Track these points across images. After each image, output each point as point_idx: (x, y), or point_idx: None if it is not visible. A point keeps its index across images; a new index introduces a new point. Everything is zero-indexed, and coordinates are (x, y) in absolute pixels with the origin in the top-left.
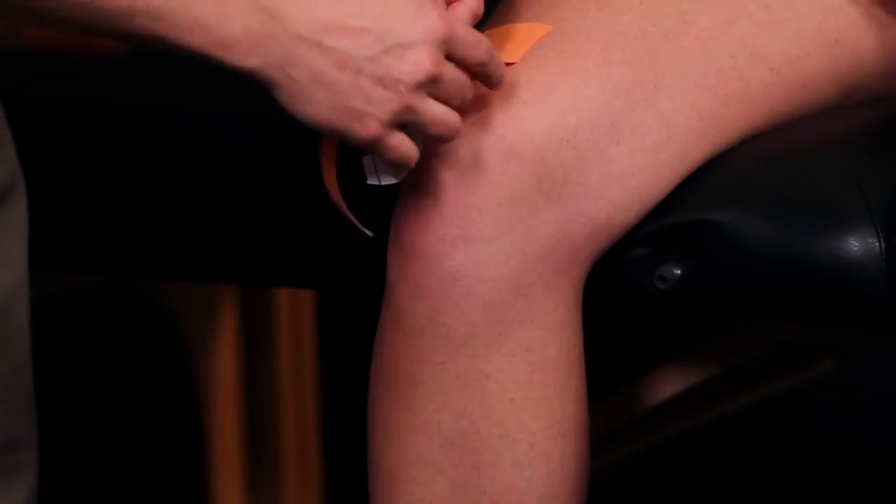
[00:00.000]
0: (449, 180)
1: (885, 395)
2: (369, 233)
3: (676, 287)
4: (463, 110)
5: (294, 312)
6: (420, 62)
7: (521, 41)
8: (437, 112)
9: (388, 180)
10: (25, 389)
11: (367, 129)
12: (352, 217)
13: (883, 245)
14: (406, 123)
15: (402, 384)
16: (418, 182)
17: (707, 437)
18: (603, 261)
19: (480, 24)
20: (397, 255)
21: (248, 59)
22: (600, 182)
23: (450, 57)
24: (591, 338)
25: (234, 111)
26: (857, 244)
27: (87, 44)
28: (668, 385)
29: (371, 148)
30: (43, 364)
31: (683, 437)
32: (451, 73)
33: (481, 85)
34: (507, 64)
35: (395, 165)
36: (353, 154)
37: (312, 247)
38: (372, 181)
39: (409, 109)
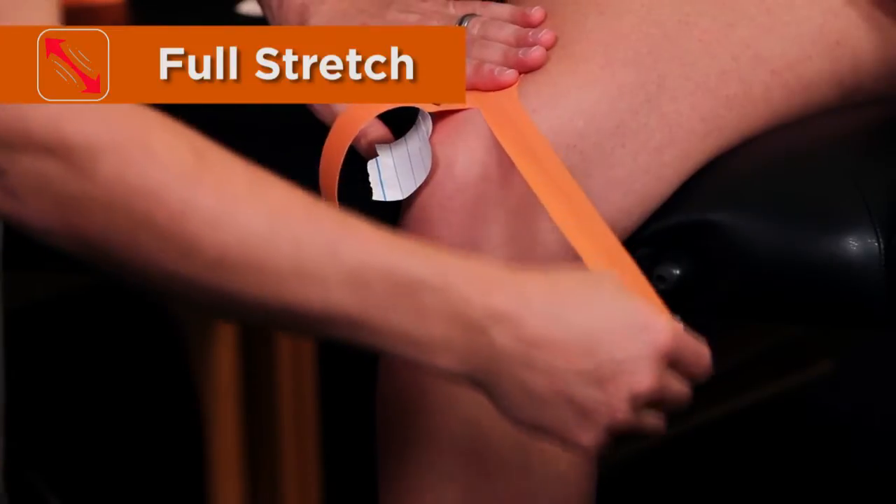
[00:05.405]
0: (455, 189)
1: (885, 395)
2: None
3: (676, 287)
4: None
5: None
6: (640, 379)
7: None
8: (649, 424)
9: (393, 196)
10: None
11: (583, 440)
12: None
13: (882, 245)
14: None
15: (409, 392)
16: (424, 191)
17: (707, 437)
18: None
19: None
20: None
21: (454, 366)
22: (604, 187)
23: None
24: None
25: (234, 112)
26: (857, 244)
27: None
28: None
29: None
30: (42, 365)
31: (684, 437)
32: (676, 387)
33: (490, 91)
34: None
35: (402, 180)
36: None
37: None
38: (377, 196)
39: (625, 423)
